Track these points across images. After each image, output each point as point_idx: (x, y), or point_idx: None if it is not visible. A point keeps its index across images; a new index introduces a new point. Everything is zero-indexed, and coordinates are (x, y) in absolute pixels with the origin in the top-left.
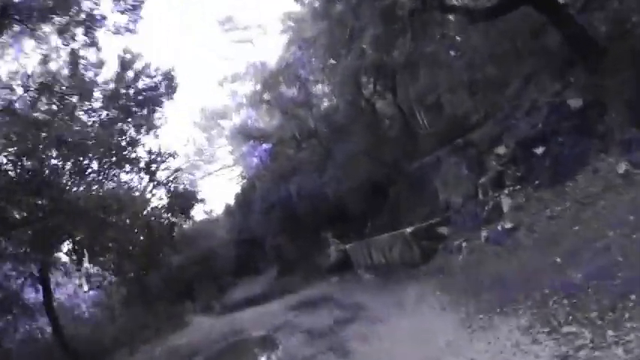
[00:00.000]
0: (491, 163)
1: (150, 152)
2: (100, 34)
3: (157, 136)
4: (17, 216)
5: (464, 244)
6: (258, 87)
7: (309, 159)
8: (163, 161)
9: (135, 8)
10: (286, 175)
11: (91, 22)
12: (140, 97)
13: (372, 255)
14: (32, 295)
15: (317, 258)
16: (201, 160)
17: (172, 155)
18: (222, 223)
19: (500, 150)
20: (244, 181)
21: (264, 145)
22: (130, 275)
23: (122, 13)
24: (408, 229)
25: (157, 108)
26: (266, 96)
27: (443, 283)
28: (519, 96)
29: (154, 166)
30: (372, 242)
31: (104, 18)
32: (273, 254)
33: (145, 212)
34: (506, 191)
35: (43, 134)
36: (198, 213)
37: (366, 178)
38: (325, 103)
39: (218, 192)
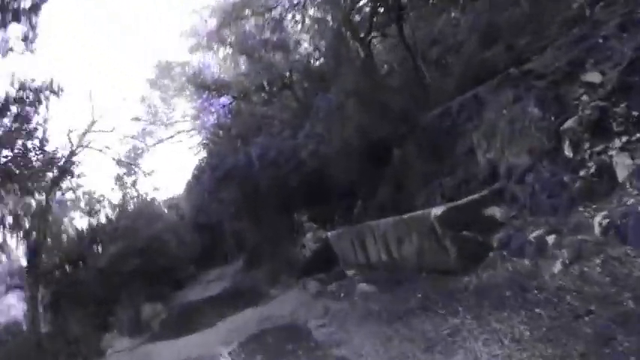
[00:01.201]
0: (581, 97)
1: None
2: None
3: None
4: None
5: (551, 240)
6: (217, 23)
7: (280, 116)
8: None
9: None
10: (247, 136)
11: None
12: None
13: (367, 249)
14: None
15: (289, 249)
16: (156, 124)
17: None
18: (183, 202)
19: (593, 77)
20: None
21: (223, 100)
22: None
23: None
24: (435, 210)
25: None
26: (226, 35)
27: (518, 323)
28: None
29: None
30: (368, 229)
31: None
32: (234, 242)
33: None
34: (617, 142)
35: None
36: (148, 190)
37: (357, 138)
38: (305, 45)
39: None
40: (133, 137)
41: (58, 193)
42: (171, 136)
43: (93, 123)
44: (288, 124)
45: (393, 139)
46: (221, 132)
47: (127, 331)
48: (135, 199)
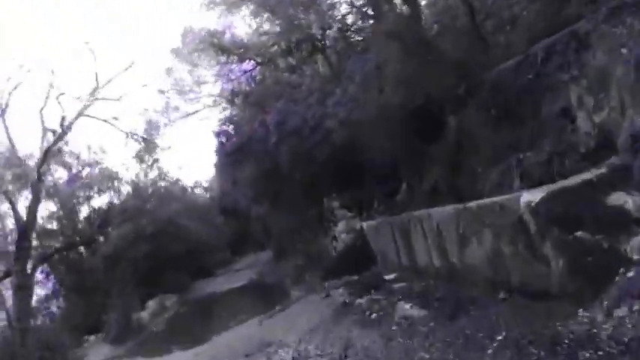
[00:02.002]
0: None
1: None
2: None
3: None
4: None
5: None
6: None
7: (309, 85)
8: None
9: None
10: (267, 104)
11: None
12: None
13: (413, 247)
14: None
15: (318, 241)
16: (182, 98)
17: None
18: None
19: None
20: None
21: (245, 66)
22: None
23: None
24: (527, 196)
25: None
26: None
27: None
28: None
29: None
30: (415, 221)
31: None
32: (261, 229)
33: None
34: None
35: None
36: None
37: (399, 102)
38: (340, 3)
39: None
40: (156, 111)
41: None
42: (197, 111)
43: (96, 89)
44: (316, 91)
45: (447, 103)
46: (238, 100)
47: (114, 335)
48: (154, 179)
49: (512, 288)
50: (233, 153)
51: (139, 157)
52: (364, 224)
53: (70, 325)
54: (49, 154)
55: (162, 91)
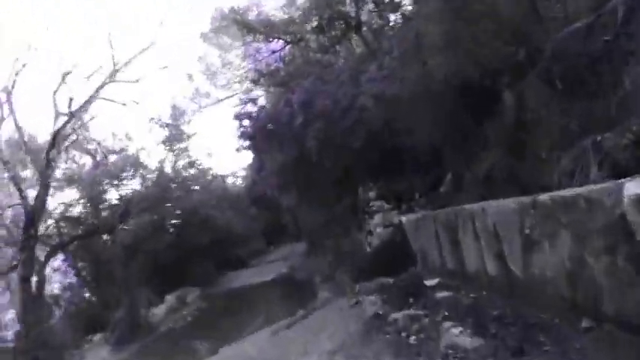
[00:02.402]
0: None
1: None
2: None
3: None
4: None
5: None
6: None
7: (342, 65)
8: None
9: None
10: (295, 84)
11: None
12: None
13: (461, 248)
14: None
15: (351, 235)
16: (213, 84)
17: None
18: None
19: None
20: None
21: (274, 45)
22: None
23: None
24: (632, 186)
25: None
26: None
27: None
28: None
29: None
30: (465, 216)
31: None
32: (292, 220)
33: None
34: None
35: None
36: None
37: (444, 79)
38: None
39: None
40: (184, 97)
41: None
42: (229, 97)
43: (114, 72)
44: (349, 70)
45: (502, 75)
46: (263, 79)
47: (118, 335)
48: (181, 166)
49: (602, 315)
50: (255, 137)
51: (167, 144)
52: (403, 218)
53: (82, 319)
54: (58, 138)
55: (190, 76)
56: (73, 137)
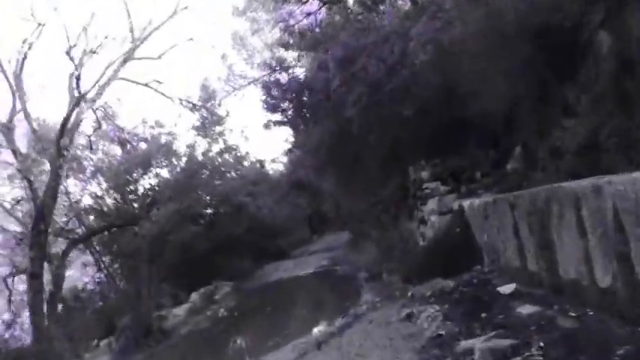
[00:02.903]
0: None
1: None
2: None
3: None
4: None
5: None
6: None
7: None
8: None
9: None
10: (331, 45)
11: None
12: None
13: (553, 246)
14: None
15: (401, 224)
16: (248, 63)
17: None
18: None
19: None
20: None
21: (309, 6)
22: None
23: None
24: None
25: None
26: None
27: None
28: None
29: None
30: (565, 199)
31: None
32: (333, 207)
33: None
34: None
35: None
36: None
37: (515, 24)
38: None
39: None
40: (219, 79)
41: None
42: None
43: (134, 49)
44: (396, 26)
45: (593, 12)
46: (295, 40)
47: (123, 344)
48: (214, 152)
49: None
50: (286, 109)
51: (199, 129)
52: (465, 203)
53: (103, 319)
54: (72, 123)
55: (224, 56)
56: (94, 124)
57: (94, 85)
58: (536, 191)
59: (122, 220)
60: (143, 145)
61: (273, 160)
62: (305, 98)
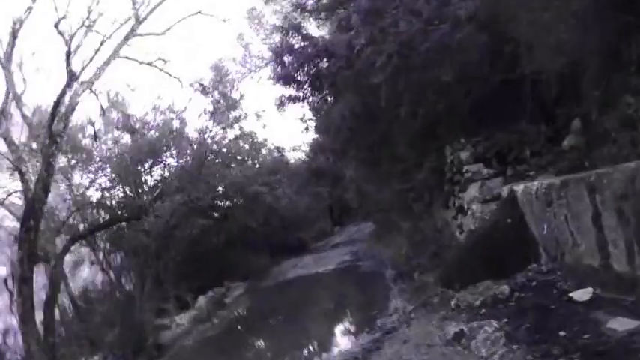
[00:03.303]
0: None
1: None
2: None
3: None
4: None
5: None
6: None
7: None
8: None
9: None
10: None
11: None
12: None
13: None
14: None
15: (435, 214)
16: (263, 41)
17: None
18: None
19: None
20: None
21: None
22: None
23: None
24: None
25: None
26: None
27: None
28: None
29: None
30: None
31: None
32: (354, 197)
33: None
34: None
35: None
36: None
37: None
38: None
39: None
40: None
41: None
42: None
43: (139, 22)
44: None
45: None
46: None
47: None
48: (227, 139)
49: None
50: (301, 80)
51: (214, 114)
52: (517, 188)
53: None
54: (64, 107)
55: (241, 36)
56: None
57: (89, 62)
58: (634, 168)
59: (127, 215)
60: (154, 134)
61: (294, 149)
62: (322, 63)
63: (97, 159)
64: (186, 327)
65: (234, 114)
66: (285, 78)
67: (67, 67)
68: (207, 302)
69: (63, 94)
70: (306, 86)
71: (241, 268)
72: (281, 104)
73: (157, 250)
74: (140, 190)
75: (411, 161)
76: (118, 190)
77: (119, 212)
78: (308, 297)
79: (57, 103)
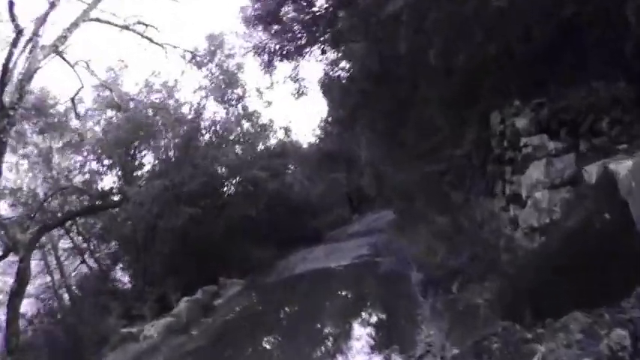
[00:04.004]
0: None
1: None
2: None
3: None
4: None
5: None
6: None
7: None
8: None
9: None
10: None
11: None
12: None
13: None
14: None
15: (477, 203)
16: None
17: None
18: None
19: None
20: None
21: None
22: None
23: None
24: None
25: None
26: None
27: None
28: None
29: None
30: None
31: None
32: (371, 183)
33: None
34: None
35: None
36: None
37: None
38: None
39: None
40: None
41: None
42: None
43: None
44: None
45: None
46: None
47: None
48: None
49: None
50: (289, 20)
51: (213, 91)
52: (617, 167)
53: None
54: (8, 70)
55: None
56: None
57: (41, 21)
58: None
59: (108, 202)
60: (144, 112)
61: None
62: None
63: (79, 139)
64: (154, 340)
65: (236, 91)
66: (265, 17)
67: (12, 21)
68: (190, 306)
69: (10, 56)
70: (296, 30)
71: (241, 263)
72: (269, 63)
73: (145, 243)
74: (128, 174)
75: (441, 134)
76: (104, 174)
77: (100, 199)
78: (312, 303)
79: (5, 68)
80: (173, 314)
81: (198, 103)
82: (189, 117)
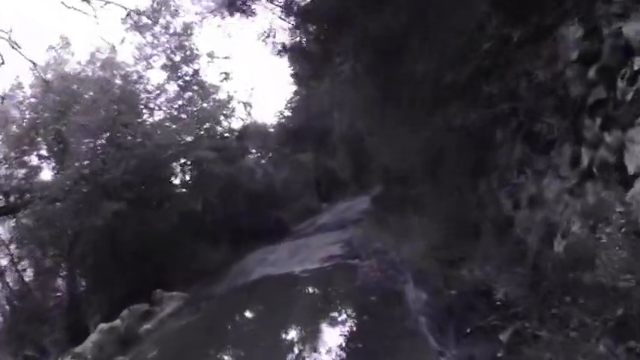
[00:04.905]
0: None
1: None
2: None
3: None
4: None
5: None
6: None
7: None
8: None
9: None
10: None
11: None
12: None
13: None
14: None
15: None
16: None
17: None
18: None
19: None
20: None
21: None
22: None
23: None
24: None
25: None
26: None
27: None
28: None
29: None
30: None
31: None
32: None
33: None
34: None
35: None
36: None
37: None
38: None
39: None
40: None
41: None
42: None
43: None
44: None
45: None
46: None
47: None
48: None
49: None
50: None
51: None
52: None
53: None
54: None
55: None
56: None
57: None
58: None
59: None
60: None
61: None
62: None
63: None
64: None
65: (183, 55)
66: None
67: None
68: (103, 339)
69: None
70: None
71: (185, 268)
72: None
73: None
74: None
75: (461, 80)
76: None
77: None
78: (267, 331)
79: None
80: (76, 354)
81: (134, 72)
82: (120, 89)
